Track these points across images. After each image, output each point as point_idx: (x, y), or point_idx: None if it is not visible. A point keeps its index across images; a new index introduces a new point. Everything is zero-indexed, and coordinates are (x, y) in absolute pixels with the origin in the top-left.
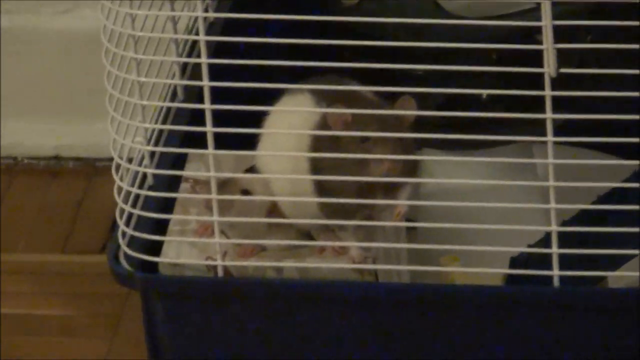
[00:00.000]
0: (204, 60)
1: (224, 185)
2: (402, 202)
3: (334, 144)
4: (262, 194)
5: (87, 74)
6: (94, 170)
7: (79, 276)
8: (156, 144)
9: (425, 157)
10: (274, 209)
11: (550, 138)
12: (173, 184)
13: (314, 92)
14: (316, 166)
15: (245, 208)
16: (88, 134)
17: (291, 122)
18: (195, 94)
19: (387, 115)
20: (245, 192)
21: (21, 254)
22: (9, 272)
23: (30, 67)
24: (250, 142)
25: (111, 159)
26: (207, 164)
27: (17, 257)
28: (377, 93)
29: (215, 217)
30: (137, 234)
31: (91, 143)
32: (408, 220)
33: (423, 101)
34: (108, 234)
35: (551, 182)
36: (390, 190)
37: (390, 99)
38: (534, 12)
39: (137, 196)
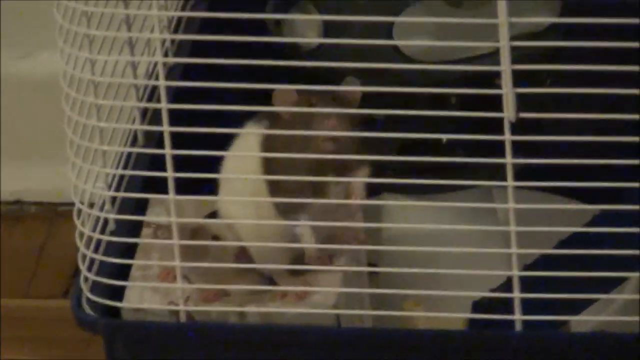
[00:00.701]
0: (164, 105)
1: (196, 233)
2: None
3: (284, 139)
4: (231, 238)
5: (47, 118)
6: (56, 214)
7: (42, 321)
8: (117, 189)
9: (386, 201)
10: (240, 254)
11: (510, 183)
12: (135, 229)
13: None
14: (269, 167)
15: (217, 255)
16: (49, 178)
17: (244, 163)
18: (155, 139)
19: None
20: (216, 238)
21: None
22: None
23: None
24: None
25: (73, 203)
26: (168, 209)
27: None
28: None
29: (177, 262)
30: (99, 279)
31: (52, 187)
32: (370, 264)
33: (383, 145)
34: (70, 278)
35: (512, 227)
36: (342, 169)
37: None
38: (493, 56)
39: (99, 241)
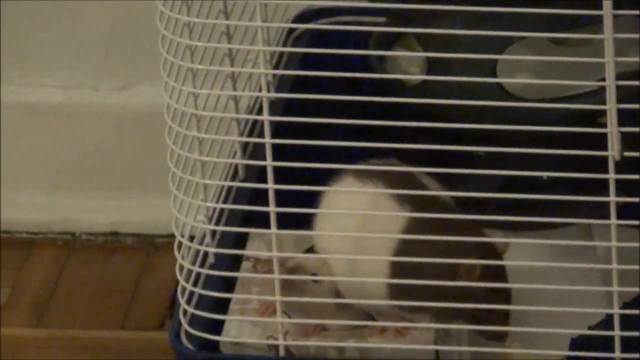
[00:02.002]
0: (267, 140)
1: (293, 271)
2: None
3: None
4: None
5: (143, 150)
6: (153, 246)
7: (137, 352)
8: (217, 222)
9: (487, 239)
10: (339, 292)
11: (613, 221)
12: (234, 263)
13: (357, 173)
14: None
15: (314, 293)
16: (146, 210)
17: (351, 203)
18: (255, 173)
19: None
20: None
21: (79, 330)
22: (67, 347)
23: (86, 142)
24: (307, 222)
25: (169, 235)
26: (268, 243)
27: (75, 332)
28: (439, 178)
29: (278, 297)
30: (198, 312)
31: (149, 219)
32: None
33: (484, 182)
34: (166, 310)
35: (614, 265)
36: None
37: (453, 183)
38: (595, 94)
39: (198, 274)
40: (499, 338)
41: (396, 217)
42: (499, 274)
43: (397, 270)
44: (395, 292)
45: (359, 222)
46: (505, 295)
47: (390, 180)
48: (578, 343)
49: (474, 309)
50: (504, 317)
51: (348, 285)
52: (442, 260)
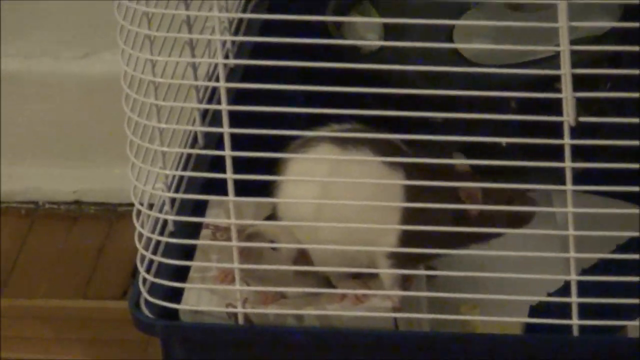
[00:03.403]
0: (224, 107)
1: (252, 238)
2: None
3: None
4: (288, 243)
5: (107, 119)
6: (115, 215)
7: (100, 322)
8: (177, 190)
9: (441, 205)
10: (299, 259)
11: (569, 187)
12: (194, 230)
13: (334, 140)
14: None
15: (273, 261)
16: (108, 178)
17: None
18: (215, 140)
19: None
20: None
21: (41, 299)
22: (29, 317)
23: (49, 111)
24: (269, 189)
25: (132, 204)
26: (227, 211)
27: (37, 302)
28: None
29: (236, 265)
30: (157, 280)
31: (111, 188)
32: (428, 268)
33: (442, 149)
34: (129, 279)
35: (571, 231)
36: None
37: (412, 146)
38: (553, 60)
39: (158, 243)
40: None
41: (395, 182)
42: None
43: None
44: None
45: (321, 188)
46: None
47: (376, 148)
48: (537, 310)
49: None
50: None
51: (318, 251)
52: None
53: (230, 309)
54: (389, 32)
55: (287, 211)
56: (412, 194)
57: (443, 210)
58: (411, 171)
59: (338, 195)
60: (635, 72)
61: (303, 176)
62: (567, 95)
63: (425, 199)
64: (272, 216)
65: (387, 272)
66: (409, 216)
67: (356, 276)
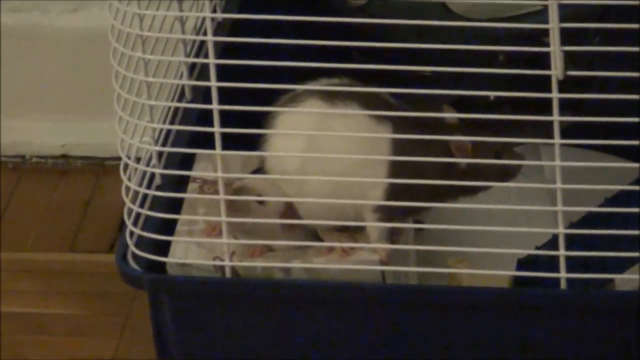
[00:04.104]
0: (211, 60)
1: (240, 191)
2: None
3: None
4: (275, 197)
5: (95, 73)
6: (102, 169)
7: (87, 275)
8: (164, 144)
9: (431, 158)
10: (286, 213)
11: (557, 140)
12: (181, 184)
13: (322, 94)
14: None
15: (260, 214)
16: (96, 132)
17: (307, 123)
18: (202, 94)
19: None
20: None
21: (29, 253)
22: (16, 271)
23: (38, 65)
24: (257, 143)
25: (119, 158)
26: (215, 164)
27: (24, 255)
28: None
29: (224, 218)
30: (145, 234)
31: (99, 142)
32: (416, 222)
33: (431, 102)
34: (116, 233)
35: (559, 185)
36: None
37: (400, 100)
38: (542, 14)
39: (145, 196)
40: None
41: (382, 136)
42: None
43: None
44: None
45: (308, 142)
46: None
47: (364, 102)
48: (525, 263)
49: None
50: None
51: (306, 204)
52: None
53: (218, 262)
54: None
55: (275, 165)
56: (399, 147)
57: (431, 163)
58: (399, 124)
59: (325, 149)
60: (624, 26)
61: (291, 130)
62: (555, 49)
63: (413, 151)
64: (259, 170)
65: (373, 225)
66: (396, 169)
67: (343, 229)
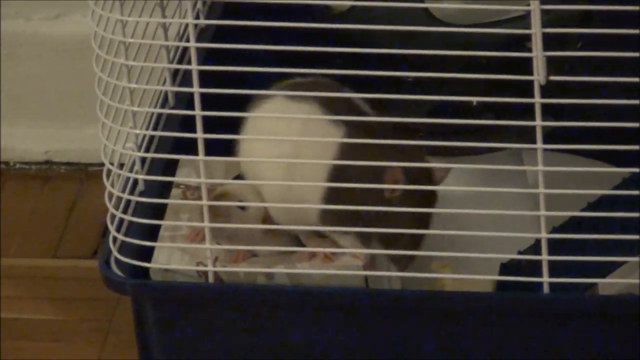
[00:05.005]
0: (194, 67)
1: (222, 197)
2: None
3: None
4: (255, 202)
5: (78, 79)
6: (86, 175)
7: (70, 281)
8: (147, 149)
9: (416, 164)
10: (267, 218)
11: (540, 145)
12: (164, 189)
13: (303, 97)
14: (337, 176)
15: (241, 220)
16: (79, 138)
17: (280, 125)
18: (185, 100)
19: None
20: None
21: (12, 259)
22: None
23: (20, 72)
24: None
25: (102, 164)
26: (198, 170)
27: (8, 261)
28: (367, 100)
29: (207, 223)
30: (128, 239)
31: (82, 148)
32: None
33: (413, 108)
34: (99, 238)
35: (541, 190)
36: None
37: (381, 106)
38: (524, 19)
39: (128, 202)
40: (403, 263)
41: (331, 138)
42: (424, 198)
43: (330, 191)
44: (326, 215)
45: (291, 145)
46: (423, 222)
47: (325, 101)
48: (508, 268)
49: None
50: (412, 243)
51: (279, 211)
52: (374, 163)
53: (201, 267)
54: None
55: (247, 169)
56: (344, 152)
57: (369, 176)
58: (352, 130)
59: (283, 152)
60: (606, 31)
61: (257, 133)
62: (538, 54)
63: (355, 158)
64: (240, 176)
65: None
66: (336, 175)
67: (324, 235)
